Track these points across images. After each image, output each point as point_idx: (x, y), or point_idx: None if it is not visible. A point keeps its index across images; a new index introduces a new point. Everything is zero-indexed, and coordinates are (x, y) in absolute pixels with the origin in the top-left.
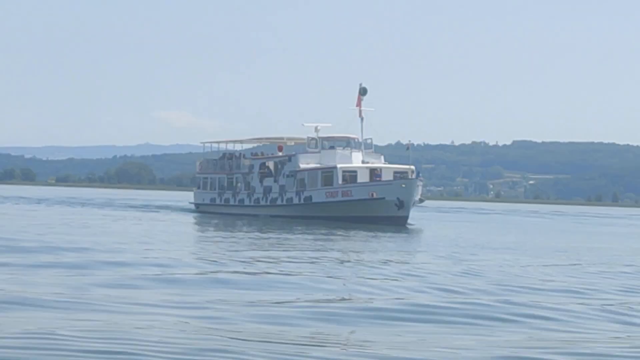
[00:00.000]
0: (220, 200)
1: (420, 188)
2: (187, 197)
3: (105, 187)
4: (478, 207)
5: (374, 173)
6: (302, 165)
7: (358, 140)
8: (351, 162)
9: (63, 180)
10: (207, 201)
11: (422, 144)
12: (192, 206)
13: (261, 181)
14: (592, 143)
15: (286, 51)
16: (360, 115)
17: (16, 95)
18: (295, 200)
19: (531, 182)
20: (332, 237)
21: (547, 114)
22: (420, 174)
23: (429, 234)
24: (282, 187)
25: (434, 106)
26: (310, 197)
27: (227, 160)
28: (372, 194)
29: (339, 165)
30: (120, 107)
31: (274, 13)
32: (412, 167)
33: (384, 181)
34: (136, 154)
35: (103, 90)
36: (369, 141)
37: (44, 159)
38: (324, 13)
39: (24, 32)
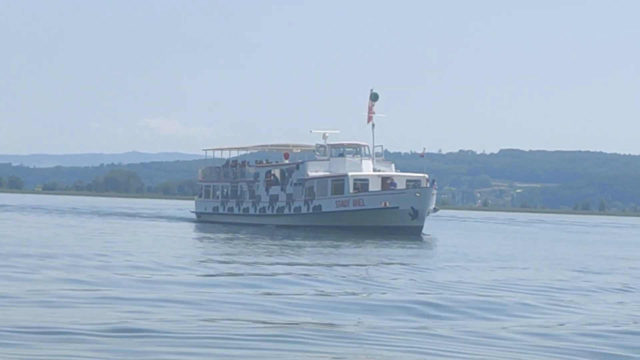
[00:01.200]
0: (224, 209)
1: (434, 197)
2: (176, 206)
3: (93, 196)
4: (467, 215)
5: (386, 181)
6: (311, 173)
7: (368, 147)
8: (361, 170)
9: (50, 189)
10: (210, 210)
11: (410, 152)
12: (194, 215)
13: (267, 189)
14: (580, 152)
15: (282, 56)
16: (370, 121)
17: (3, 103)
18: (304, 210)
19: (518, 190)
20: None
21: (534, 123)
22: (435, 182)
23: (454, 245)
24: (289, 196)
25: (422, 114)
26: (319, 206)
27: (231, 168)
28: (385, 203)
29: (349, 173)
30: (109, 115)
31: (269, 15)
32: (426, 175)
33: (397, 190)
34: (124, 162)
35: (91, 98)
36: (378, 149)
37: (32, 167)
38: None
39: (10, 40)
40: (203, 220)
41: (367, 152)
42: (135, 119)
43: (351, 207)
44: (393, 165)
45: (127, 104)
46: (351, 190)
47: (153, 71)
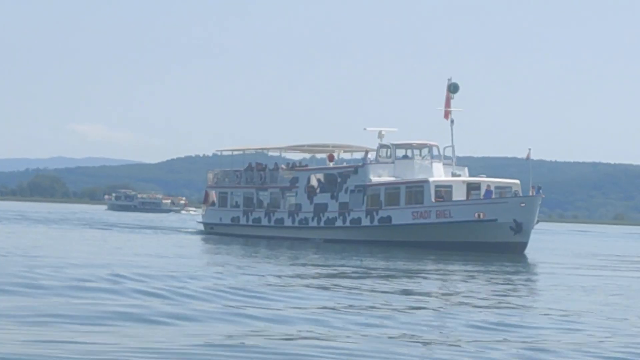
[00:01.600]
0: (247, 220)
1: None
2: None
3: (18, 201)
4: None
5: (472, 188)
6: (374, 179)
7: (438, 148)
8: (433, 175)
9: None
10: (227, 221)
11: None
12: (201, 227)
13: (310, 198)
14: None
15: (220, 60)
16: (448, 117)
17: None
18: (366, 222)
19: None
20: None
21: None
22: (541, 190)
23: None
24: (343, 205)
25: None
26: (388, 218)
27: (257, 172)
28: (480, 215)
29: (431, 179)
30: (34, 120)
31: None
32: (517, 181)
33: (496, 199)
34: (49, 167)
35: (16, 102)
36: (449, 150)
37: None
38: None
39: None
40: (216, 233)
41: (436, 154)
42: (61, 124)
43: (433, 220)
44: (467, 169)
45: (53, 109)
46: (433, 199)
47: (79, 75)
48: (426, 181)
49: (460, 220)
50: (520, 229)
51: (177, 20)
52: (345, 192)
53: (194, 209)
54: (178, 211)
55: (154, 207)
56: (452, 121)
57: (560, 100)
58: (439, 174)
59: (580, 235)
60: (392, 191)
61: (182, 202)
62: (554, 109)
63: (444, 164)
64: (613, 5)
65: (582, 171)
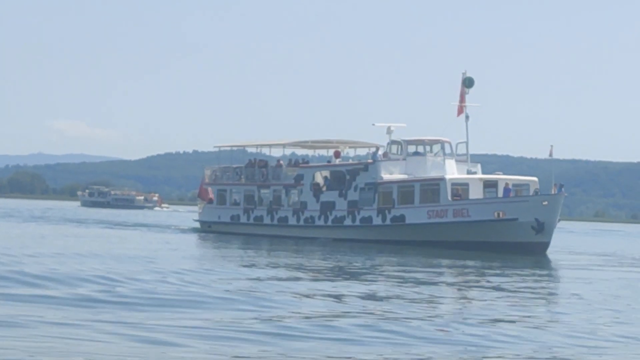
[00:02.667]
0: (248, 219)
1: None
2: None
3: None
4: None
5: (490, 186)
6: (385, 176)
7: (451, 144)
8: (446, 173)
9: None
10: (226, 219)
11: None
12: (197, 224)
13: (315, 195)
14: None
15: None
16: (462, 113)
17: None
18: (377, 220)
19: None
20: None
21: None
22: (563, 188)
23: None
24: (352, 204)
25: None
26: (401, 217)
27: (258, 169)
28: (499, 214)
29: (447, 177)
30: (14, 117)
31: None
32: (535, 179)
33: (517, 197)
34: (29, 163)
35: None
36: (462, 147)
37: None
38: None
39: None
40: (215, 231)
41: (449, 151)
42: (41, 121)
43: (450, 219)
44: (480, 166)
45: (32, 105)
46: (449, 198)
47: (58, 72)
48: (442, 179)
49: (479, 219)
50: (543, 228)
51: (157, 16)
52: (355, 190)
53: (166, 205)
54: (151, 207)
55: (127, 203)
56: (467, 117)
57: (540, 98)
58: (452, 171)
59: (576, 235)
60: (405, 189)
61: (155, 198)
62: (536, 106)
63: (456, 161)
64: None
65: (562, 168)
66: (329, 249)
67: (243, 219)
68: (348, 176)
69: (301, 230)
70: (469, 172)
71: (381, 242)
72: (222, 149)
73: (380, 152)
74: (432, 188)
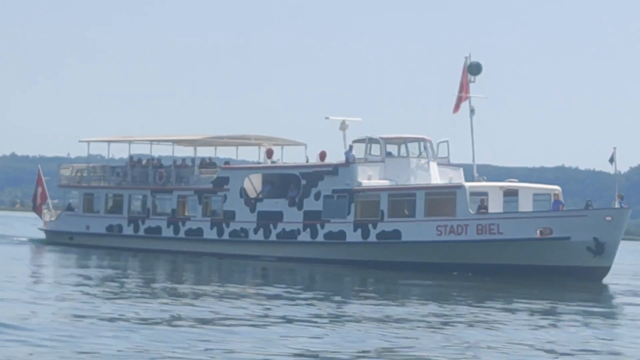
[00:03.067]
0: (137, 230)
1: None
2: None
3: None
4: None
5: (511, 195)
6: (364, 182)
7: (432, 143)
8: (430, 178)
9: None
10: (100, 230)
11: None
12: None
13: (249, 203)
14: None
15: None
16: (458, 108)
17: None
18: (354, 237)
19: None
20: None
21: None
22: (623, 201)
23: None
24: (311, 215)
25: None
26: (395, 233)
27: (153, 169)
28: (543, 232)
29: (467, 184)
30: None
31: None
32: (558, 187)
33: (570, 211)
34: None
35: None
36: (443, 147)
37: None
38: None
39: None
40: (76, 245)
41: (432, 151)
42: None
43: (471, 236)
44: (462, 171)
45: None
46: (470, 210)
47: None
48: (460, 187)
49: (513, 237)
50: (603, 250)
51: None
52: (316, 198)
53: None
54: None
55: None
56: (472, 111)
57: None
58: (436, 176)
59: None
60: (400, 198)
61: None
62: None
63: (438, 164)
64: None
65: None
66: (277, 269)
67: (128, 231)
68: (304, 180)
69: (225, 246)
70: (450, 180)
71: (357, 263)
72: (90, 143)
73: (352, 151)
74: (443, 198)
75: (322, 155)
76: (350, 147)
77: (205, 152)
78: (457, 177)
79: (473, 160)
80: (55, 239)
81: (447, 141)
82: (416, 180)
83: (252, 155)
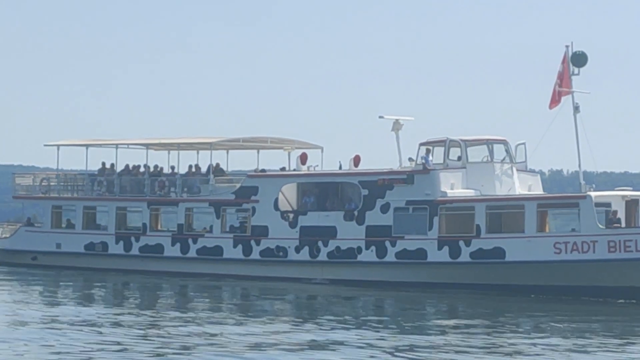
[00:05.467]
0: (129, 248)
1: None
2: None
3: None
4: None
5: (631, 205)
6: (449, 192)
7: (510, 146)
8: (514, 187)
9: None
10: (78, 248)
11: None
12: None
13: (286, 217)
14: None
15: None
16: (556, 104)
17: None
18: (438, 256)
19: None
20: None
21: None
22: None
23: None
24: (375, 230)
25: None
26: (497, 251)
27: (150, 179)
28: None
29: (593, 194)
30: None
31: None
32: None
33: None
34: None
35: None
36: (520, 149)
37: None
38: None
39: None
40: (41, 265)
41: (511, 155)
42: None
43: (600, 255)
44: (539, 177)
45: None
46: (598, 224)
47: None
48: (584, 197)
49: None
50: None
51: None
52: (383, 210)
53: None
54: None
55: None
56: (576, 107)
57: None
58: (518, 185)
59: None
60: (502, 210)
61: None
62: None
63: (517, 170)
64: None
65: None
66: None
67: (115, 250)
68: (365, 190)
69: (253, 267)
70: (529, 188)
71: (441, 285)
72: (60, 147)
73: (426, 155)
74: (563, 210)
75: (357, 160)
76: (428, 150)
77: (206, 156)
78: (535, 185)
79: (579, 167)
80: (11, 259)
81: (524, 143)
82: (501, 188)
83: (270, 160)
